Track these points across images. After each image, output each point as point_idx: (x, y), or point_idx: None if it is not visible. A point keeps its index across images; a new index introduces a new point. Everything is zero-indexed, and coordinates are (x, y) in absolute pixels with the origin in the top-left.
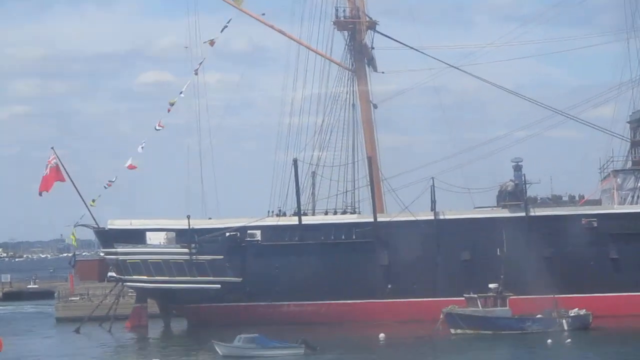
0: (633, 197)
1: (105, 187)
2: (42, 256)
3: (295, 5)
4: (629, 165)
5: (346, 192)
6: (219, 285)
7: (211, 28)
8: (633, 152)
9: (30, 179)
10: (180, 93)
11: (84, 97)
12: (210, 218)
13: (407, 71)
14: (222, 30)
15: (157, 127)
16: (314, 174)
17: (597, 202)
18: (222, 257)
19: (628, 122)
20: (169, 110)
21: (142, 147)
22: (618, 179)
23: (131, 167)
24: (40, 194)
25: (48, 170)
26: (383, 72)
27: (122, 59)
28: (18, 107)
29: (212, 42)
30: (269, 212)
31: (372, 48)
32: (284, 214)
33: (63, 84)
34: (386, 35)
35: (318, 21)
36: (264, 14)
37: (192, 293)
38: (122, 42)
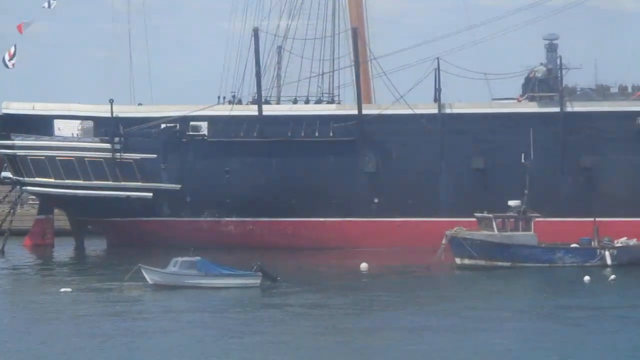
0: None
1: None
2: None
3: None
4: None
5: (322, 74)
6: (151, 194)
7: None
8: None
9: None
10: None
11: None
12: (140, 104)
13: None
14: None
15: None
16: (280, 49)
17: None
18: (155, 156)
19: None
20: None
21: (49, 3)
22: None
23: (21, 29)
24: None
25: None
26: None
27: None
28: None
29: None
30: (219, 98)
31: None
32: (239, 102)
33: None
34: None
35: None
36: None
37: (115, 203)
38: None
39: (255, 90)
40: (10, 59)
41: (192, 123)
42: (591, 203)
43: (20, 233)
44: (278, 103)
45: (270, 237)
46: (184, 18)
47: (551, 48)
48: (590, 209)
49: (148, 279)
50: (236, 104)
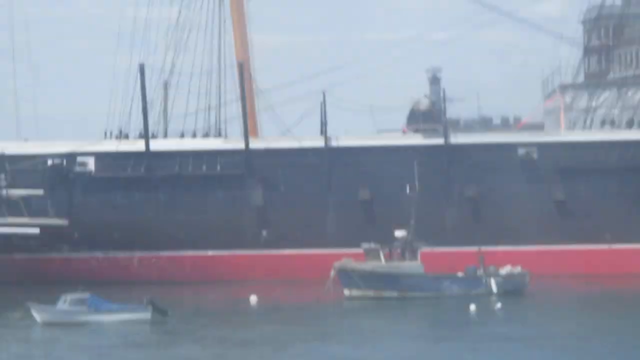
0: (585, 120)
1: None
2: None
3: None
4: (581, 78)
5: (209, 108)
6: (38, 230)
7: None
8: (586, 62)
9: None
10: None
11: None
12: (26, 140)
13: None
14: None
15: None
16: (166, 84)
17: (539, 127)
18: (42, 191)
19: (581, 23)
20: None
21: None
22: (566, 97)
23: None
24: None
25: None
26: None
27: None
28: None
29: None
30: (106, 133)
31: None
32: (126, 137)
33: None
34: None
35: None
36: None
37: (1, 240)
38: None
39: (142, 125)
40: None
41: (79, 159)
42: (476, 232)
43: None
44: (165, 137)
45: (160, 271)
46: (70, 52)
47: (434, 81)
48: (475, 238)
49: (37, 318)
50: (123, 139)
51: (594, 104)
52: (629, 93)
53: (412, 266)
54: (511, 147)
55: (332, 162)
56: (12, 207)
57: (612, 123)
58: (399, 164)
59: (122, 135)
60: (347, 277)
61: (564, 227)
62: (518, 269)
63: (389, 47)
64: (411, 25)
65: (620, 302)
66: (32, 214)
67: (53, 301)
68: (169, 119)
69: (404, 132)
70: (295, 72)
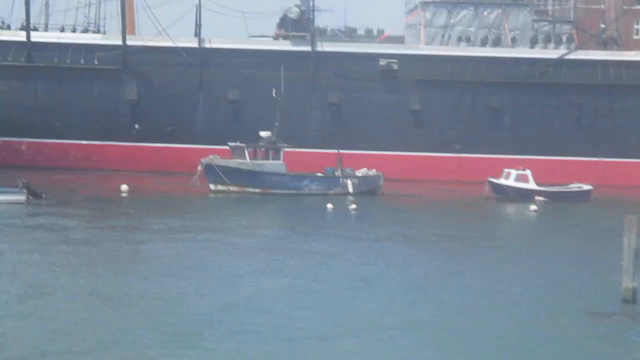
0: (444, 36)
1: None
2: None
3: None
4: None
5: (89, 5)
6: None
7: None
8: None
9: None
10: None
11: None
12: None
13: None
14: None
15: None
16: None
17: (400, 40)
18: None
19: None
20: None
21: None
22: (427, 13)
23: None
24: None
25: None
26: None
27: None
28: None
29: None
30: None
31: None
32: (8, 27)
33: None
34: None
35: None
36: None
37: None
38: None
39: (24, 18)
40: None
41: None
42: (336, 136)
43: None
44: (46, 30)
45: (39, 157)
46: None
47: None
48: (336, 141)
49: None
50: (5, 29)
51: (452, 21)
52: (485, 12)
53: (274, 165)
54: (373, 58)
55: (204, 62)
56: None
57: (468, 40)
58: (268, 68)
59: (4, 26)
60: (212, 172)
61: (418, 135)
62: (373, 172)
63: None
64: None
65: (463, 207)
66: None
67: None
68: (50, 12)
69: (276, 35)
70: None
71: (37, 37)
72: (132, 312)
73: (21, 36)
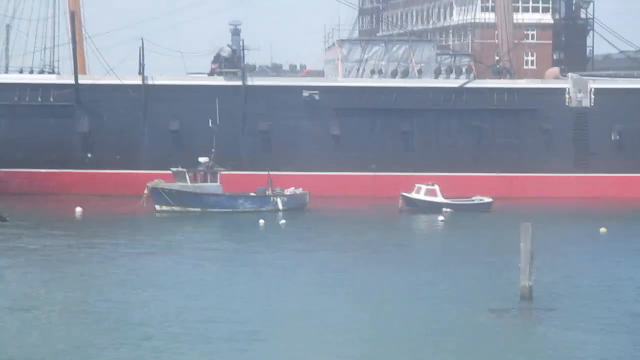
0: (358, 69)
1: None
2: None
3: None
4: (356, 35)
5: (45, 49)
6: None
7: None
8: (360, 21)
9: None
10: None
11: None
12: None
13: None
14: None
15: None
16: (8, 27)
17: (320, 74)
18: None
19: None
20: None
21: None
22: (343, 50)
23: None
24: None
25: None
26: None
27: None
28: None
29: None
30: None
31: None
32: None
33: None
34: None
35: None
36: None
37: None
38: None
39: None
40: None
41: None
42: (267, 159)
43: None
44: (7, 72)
45: (2, 186)
46: None
47: (235, 32)
48: (266, 164)
49: None
50: None
51: (365, 56)
52: (394, 48)
53: (212, 187)
54: (297, 90)
55: (147, 97)
56: None
57: (380, 72)
58: (204, 101)
59: None
60: (158, 194)
61: (338, 157)
62: (300, 190)
63: (199, 3)
64: None
65: (380, 218)
66: None
67: None
68: (10, 56)
69: (211, 71)
70: (119, 21)
71: None
72: (87, 317)
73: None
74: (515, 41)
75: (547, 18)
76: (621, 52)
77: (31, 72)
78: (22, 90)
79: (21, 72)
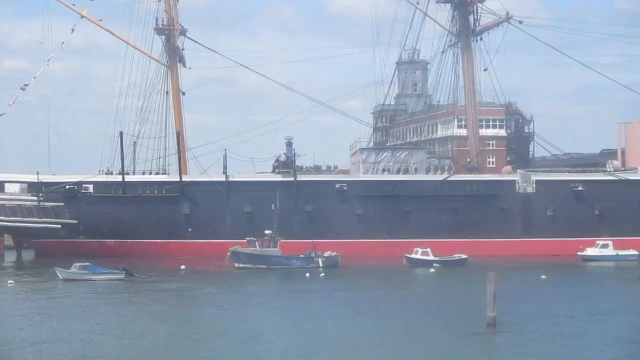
0: (374, 169)
1: None
2: None
3: (126, 13)
4: (371, 145)
5: (159, 157)
6: (60, 225)
7: (60, 28)
8: (374, 136)
9: None
10: (34, 77)
11: None
12: (54, 174)
13: (208, 68)
14: (71, 32)
15: (10, 104)
16: (135, 143)
17: (347, 172)
18: (62, 204)
19: (372, 113)
20: (22, 89)
21: None
22: (363, 155)
23: None
24: None
25: None
26: (190, 68)
27: None
28: None
29: (63, 44)
30: (99, 170)
31: (183, 49)
32: (111, 173)
33: None
34: (193, 40)
35: (143, 26)
36: (101, 20)
37: (39, 230)
38: None
39: (120, 166)
40: None
41: (84, 185)
42: (311, 231)
43: None
44: (134, 174)
45: (129, 250)
46: (80, 123)
47: (289, 144)
48: (311, 235)
49: (59, 276)
50: (109, 174)
51: (378, 159)
52: (398, 154)
53: (274, 250)
54: (332, 183)
55: (229, 189)
56: (45, 212)
57: (388, 170)
58: (268, 191)
59: (109, 172)
60: (237, 256)
61: (361, 229)
62: (334, 253)
63: (263, 125)
64: (276, 112)
65: (390, 272)
66: (57, 216)
67: (68, 266)
68: (137, 163)
69: (273, 168)
70: (209, 137)
71: (128, 178)
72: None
73: (119, 178)
74: (481, 148)
75: (502, 132)
76: (553, 155)
77: (150, 173)
78: (145, 186)
79: (143, 173)
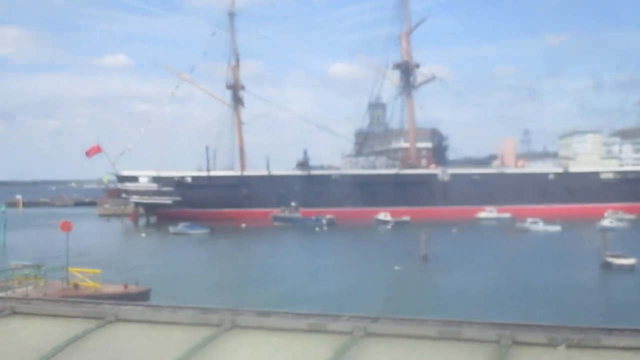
0: (355, 166)
1: (121, 155)
2: (87, 187)
3: (210, 76)
4: (354, 153)
5: (233, 161)
6: (171, 201)
7: (171, 84)
8: (355, 147)
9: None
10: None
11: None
12: (163, 170)
13: (257, 107)
14: (176, 88)
15: (141, 132)
16: (215, 152)
17: (339, 168)
18: (172, 188)
19: (354, 135)
20: (149, 121)
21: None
22: (348, 159)
23: (92, 152)
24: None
25: (94, 145)
26: (245, 107)
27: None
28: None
29: (172, 94)
30: (194, 168)
31: (243, 97)
32: (201, 170)
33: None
34: (253, 94)
35: (220, 84)
36: (193, 78)
37: (159, 205)
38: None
39: (206, 166)
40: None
41: (185, 177)
42: (318, 204)
43: (127, 215)
44: (215, 170)
45: (212, 216)
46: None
47: (305, 152)
48: (318, 206)
49: (171, 231)
50: (200, 170)
51: (358, 161)
52: (369, 158)
53: (296, 215)
54: (329, 175)
55: (271, 180)
56: (162, 193)
57: (363, 167)
58: (293, 180)
59: (200, 169)
60: (275, 218)
61: (347, 202)
62: (332, 216)
63: (290, 141)
64: (297, 134)
65: (363, 230)
66: (169, 196)
67: (176, 225)
68: (216, 163)
69: (296, 166)
70: (259, 149)
71: (212, 173)
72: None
73: (205, 173)
74: (417, 154)
75: (429, 145)
76: (460, 158)
77: (221, 170)
78: (221, 177)
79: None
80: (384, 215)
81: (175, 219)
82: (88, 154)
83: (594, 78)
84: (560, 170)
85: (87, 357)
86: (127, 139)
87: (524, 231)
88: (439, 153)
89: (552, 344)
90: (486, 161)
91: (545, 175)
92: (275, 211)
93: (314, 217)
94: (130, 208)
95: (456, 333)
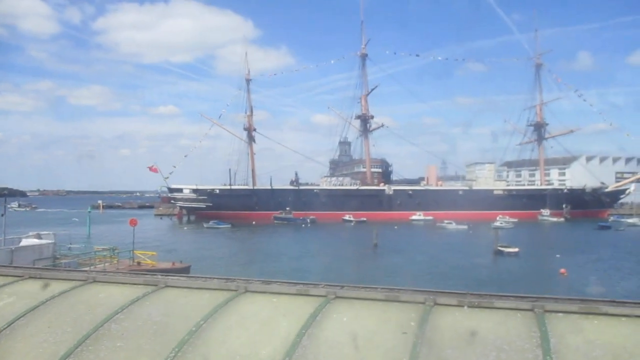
0: (330, 184)
1: (170, 173)
2: (147, 195)
3: (232, 122)
4: (329, 174)
5: (247, 179)
6: (205, 205)
7: (204, 127)
8: (330, 171)
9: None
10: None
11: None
12: (197, 185)
13: (265, 143)
14: (209, 128)
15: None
16: (235, 173)
17: (318, 185)
18: (206, 197)
19: (329, 162)
20: (185, 156)
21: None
22: (325, 178)
23: (152, 170)
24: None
25: (153, 167)
26: (256, 143)
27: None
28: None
29: (205, 134)
30: (222, 184)
31: (255, 136)
32: (225, 184)
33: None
34: (261, 134)
35: (239, 127)
36: (221, 121)
37: (197, 208)
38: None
39: (229, 182)
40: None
41: (215, 190)
42: (304, 209)
43: (175, 214)
44: (235, 185)
45: (232, 217)
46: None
47: (296, 174)
48: (304, 210)
49: (205, 226)
50: (225, 185)
51: (332, 180)
52: (340, 178)
53: (290, 216)
54: (312, 190)
55: (273, 192)
56: (199, 200)
57: (335, 184)
58: (287, 193)
59: (225, 185)
60: (278, 218)
61: (325, 208)
62: (314, 217)
63: (285, 165)
64: (290, 161)
65: (340, 228)
66: (204, 202)
67: (208, 222)
68: (233, 182)
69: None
70: (266, 171)
71: (233, 187)
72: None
73: (229, 187)
74: (372, 177)
75: (380, 170)
76: (400, 178)
77: (239, 185)
78: (238, 191)
79: (240, 185)
80: (348, 216)
81: (207, 217)
82: (150, 169)
83: (489, 127)
84: (466, 187)
85: (147, 311)
86: (175, 163)
87: (442, 229)
88: (386, 175)
89: (460, 305)
90: (417, 181)
91: (457, 191)
92: (276, 213)
93: (302, 218)
94: (176, 210)
95: (396, 296)
